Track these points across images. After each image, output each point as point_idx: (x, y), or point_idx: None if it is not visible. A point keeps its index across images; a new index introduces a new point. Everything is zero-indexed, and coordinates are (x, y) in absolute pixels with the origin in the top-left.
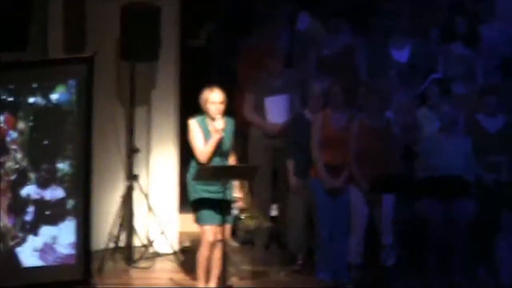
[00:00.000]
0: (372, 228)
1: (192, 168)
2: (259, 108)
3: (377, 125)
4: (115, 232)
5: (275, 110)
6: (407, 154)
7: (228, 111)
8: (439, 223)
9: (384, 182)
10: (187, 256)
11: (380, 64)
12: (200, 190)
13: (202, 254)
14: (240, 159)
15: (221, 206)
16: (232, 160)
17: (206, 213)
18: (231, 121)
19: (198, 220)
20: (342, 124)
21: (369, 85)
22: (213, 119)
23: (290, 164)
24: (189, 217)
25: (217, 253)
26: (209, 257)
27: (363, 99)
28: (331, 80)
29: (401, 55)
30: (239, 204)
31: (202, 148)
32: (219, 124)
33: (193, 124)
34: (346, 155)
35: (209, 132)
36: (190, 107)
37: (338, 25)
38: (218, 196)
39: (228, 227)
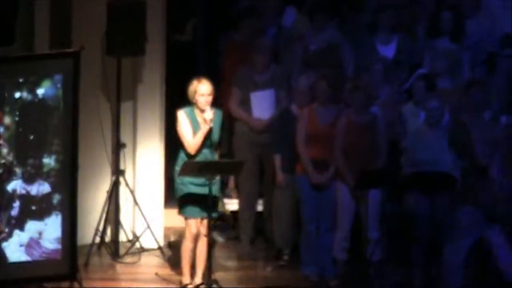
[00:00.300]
0: (358, 223)
1: (180, 160)
2: (245, 103)
3: (363, 121)
4: (101, 227)
5: (261, 105)
6: (393, 149)
7: (215, 105)
8: (425, 218)
9: (370, 178)
10: (172, 251)
11: (366, 59)
12: (187, 183)
13: (186, 246)
14: (226, 154)
15: (207, 201)
16: (218, 154)
17: (191, 206)
18: (218, 113)
19: (182, 212)
20: (328, 119)
21: (355, 81)
22: (201, 110)
23: (277, 159)
24: (175, 212)
25: (202, 248)
26: (193, 249)
27: (349, 95)
28: (317, 76)
29: (387, 50)
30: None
31: (191, 139)
32: (208, 115)
33: (182, 115)
34: (332, 151)
35: (197, 123)
36: (176, 102)
37: (323, 20)
38: (203, 190)
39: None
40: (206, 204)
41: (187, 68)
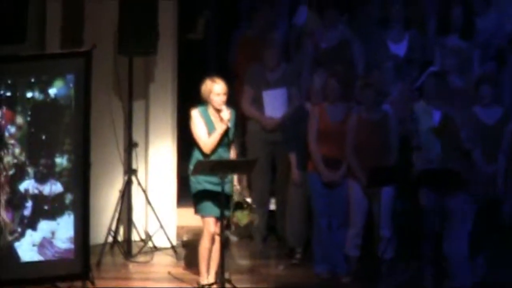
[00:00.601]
0: (371, 221)
1: (195, 159)
2: (257, 102)
3: (374, 118)
4: (114, 226)
5: (273, 104)
6: (404, 147)
7: (228, 104)
8: (436, 216)
9: (382, 175)
10: (185, 250)
11: (377, 56)
12: (202, 181)
13: (204, 245)
14: (239, 153)
15: (220, 199)
16: (233, 153)
17: (208, 204)
18: (233, 112)
19: (199, 211)
20: (339, 117)
21: (365, 78)
22: (217, 110)
23: (293, 157)
24: (188, 211)
25: (216, 247)
26: (211, 248)
27: (360, 92)
28: (327, 74)
29: (399, 48)
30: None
31: (206, 139)
32: (225, 115)
33: (196, 114)
34: (343, 148)
35: (211, 122)
36: (188, 100)
37: (334, 17)
38: (219, 188)
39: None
40: (220, 203)
41: (198, 66)
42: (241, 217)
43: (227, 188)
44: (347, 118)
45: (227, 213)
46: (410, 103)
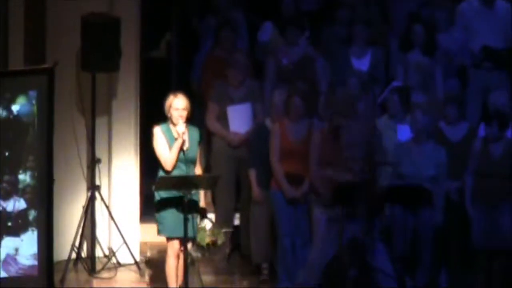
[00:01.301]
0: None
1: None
2: (222, 118)
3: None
4: (77, 242)
5: (238, 119)
6: (368, 163)
7: (192, 121)
8: (404, 233)
9: (347, 192)
10: (149, 266)
11: (341, 73)
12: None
13: (170, 264)
14: (204, 170)
15: (186, 205)
16: (198, 170)
17: (171, 225)
18: (195, 129)
19: (162, 232)
20: (301, 134)
21: (328, 95)
22: (175, 125)
23: (252, 174)
24: (151, 227)
25: (180, 264)
26: (177, 266)
27: (323, 108)
28: (290, 90)
29: (362, 63)
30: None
31: (166, 155)
32: (180, 128)
33: (157, 131)
34: (306, 165)
35: (174, 139)
36: (151, 117)
37: (296, 34)
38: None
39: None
40: (185, 209)
41: (162, 84)
42: (202, 238)
43: (194, 197)
44: (310, 136)
45: (191, 233)
46: (374, 119)
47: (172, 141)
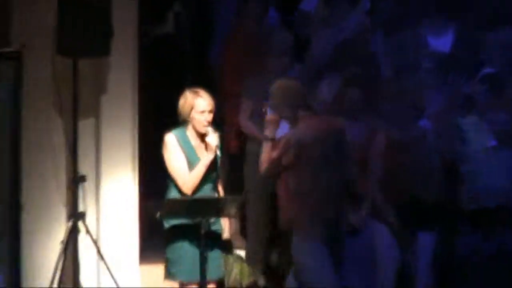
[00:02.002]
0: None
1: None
2: (256, 117)
3: (407, 139)
4: None
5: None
6: (450, 176)
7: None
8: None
9: (419, 214)
10: None
11: (411, 55)
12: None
13: None
14: (231, 184)
15: (203, 237)
16: (220, 190)
17: (188, 264)
18: (214, 132)
19: (175, 275)
20: (358, 138)
21: (394, 84)
22: (200, 132)
23: None
24: (153, 268)
25: None
26: None
27: (387, 104)
28: (343, 79)
29: (441, 43)
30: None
31: (186, 175)
32: (213, 140)
33: (171, 140)
34: (365, 180)
35: (193, 149)
36: (153, 118)
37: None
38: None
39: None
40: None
41: (169, 72)
42: (243, 275)
43: (215, 226)
44: (371, 140)
45: (213, 276)
46: (456, 117)
47: (191, 152)
